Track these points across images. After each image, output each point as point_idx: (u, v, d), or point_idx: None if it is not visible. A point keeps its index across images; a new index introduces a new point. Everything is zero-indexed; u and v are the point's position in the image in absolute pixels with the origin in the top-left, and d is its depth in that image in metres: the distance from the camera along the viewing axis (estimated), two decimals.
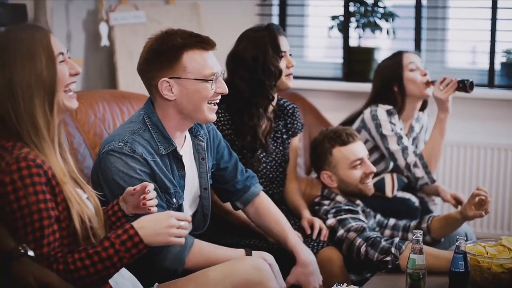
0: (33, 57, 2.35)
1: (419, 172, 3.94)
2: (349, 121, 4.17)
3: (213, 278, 2.66)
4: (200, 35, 2.83)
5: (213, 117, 2.85)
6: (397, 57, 4.07)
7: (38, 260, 2.27)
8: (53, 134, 2.38)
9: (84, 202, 2.41)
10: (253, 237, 3.41)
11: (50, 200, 2.30)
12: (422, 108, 4.18)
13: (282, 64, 3.50)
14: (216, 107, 2.87)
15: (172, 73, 2.77)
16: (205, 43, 2.81)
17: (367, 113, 4.03)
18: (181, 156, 2.89)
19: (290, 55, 3.55)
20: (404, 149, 3.93)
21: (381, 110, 4.00)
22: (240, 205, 3.24)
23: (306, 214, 3.57)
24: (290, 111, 3.69)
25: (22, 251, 2.38)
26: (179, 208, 2.88)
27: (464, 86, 3.90)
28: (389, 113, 3.99)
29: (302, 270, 3.14)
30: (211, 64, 2.81)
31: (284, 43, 3.51)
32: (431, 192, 4.18)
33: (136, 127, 2.84)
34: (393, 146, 3.94)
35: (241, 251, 2.93)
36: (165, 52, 2.78)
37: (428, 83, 4.00)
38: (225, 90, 2.86)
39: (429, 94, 4.02)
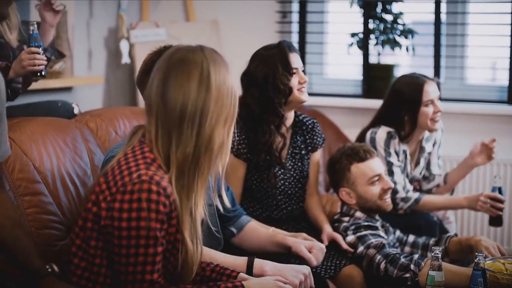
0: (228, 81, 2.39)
1: (403, 205, 3.95)
2: (362, 137, 4.16)
3: None
4: None
5: None
6: (418, 89, 3.95)
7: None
8: (223, 158, 2.42)
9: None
10: None
11: (165, 229, 2.31)
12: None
13: (295, 80, 3.51)
14: None
15: None
16: None
17: (368, 135, 4.01)
18: None
19: (303, 71, 3.56)
20: None
21: (382, 132, 3.97)
22: (234, 229, 3.24)
23: (327, 228, 3.57)
24: (310, 126, 3.70)
25: (49, 270, 2.44)
26: None
27: (493, 220, 3.86)
28: (390, 136, 3.97)
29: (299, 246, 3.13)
30: None
31: (295, 60, 3.52)
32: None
33: None
34: None
35: (243, 259, 2.87)
36: None
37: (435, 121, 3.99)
38: None
39: (436, 128, 4.01)
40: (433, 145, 4.22)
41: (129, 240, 2.26)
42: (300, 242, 3.14)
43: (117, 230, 2.27)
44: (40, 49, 3.34)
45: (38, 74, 3.36)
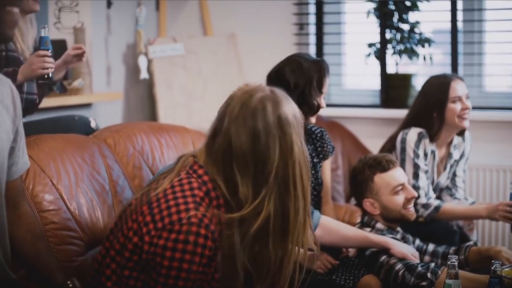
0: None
1: (423, 212, 3.95)
2: (388, 145, 4.16)
3: None
4: None
5: None
6: (445, 86, 4.03)
7: None
8: None
9: None
10: None
11: (204, 265, 2.31)
12: (460, 133, 4.17)
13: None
14: None
15: None
16: None
17: (399, 135, 4.06)
18: None
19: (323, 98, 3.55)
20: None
21: (413, 132, 4.02)
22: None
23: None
24: (319, 135, 3.71)
25: (70, 285, 2.46)
26: None
27: None
28: (420, 136, 4.01)
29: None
30: None
31: (326, 83, 3.51)
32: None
33: None
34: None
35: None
36: None
37: (463, 119, 4.02)
38: None
39: (465, 125, 4.04)
40: (461, 157, 4.22)
41: (166, 279, 2.26)
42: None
43: (158, 266, 2.27)
44: (49, 51, 3.35)
45: (46, 76, 3.36)
